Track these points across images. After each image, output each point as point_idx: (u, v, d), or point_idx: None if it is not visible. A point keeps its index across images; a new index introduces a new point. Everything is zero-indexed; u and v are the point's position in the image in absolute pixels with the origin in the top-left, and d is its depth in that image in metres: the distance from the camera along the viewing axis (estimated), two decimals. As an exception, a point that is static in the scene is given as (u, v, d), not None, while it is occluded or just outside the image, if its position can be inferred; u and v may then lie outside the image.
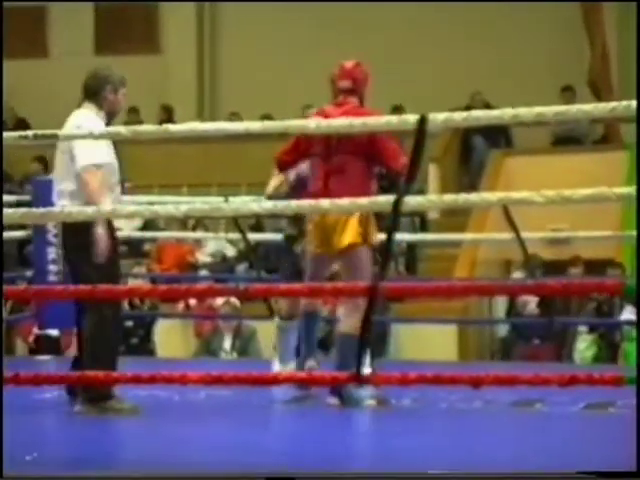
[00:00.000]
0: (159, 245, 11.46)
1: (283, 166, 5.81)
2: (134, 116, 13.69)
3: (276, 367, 5.99)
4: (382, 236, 4.95)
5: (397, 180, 5.28)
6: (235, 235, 8.77)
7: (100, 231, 5.08)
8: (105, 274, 4.98)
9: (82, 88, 5.39)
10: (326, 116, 5.43)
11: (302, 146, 5.58)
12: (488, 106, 11.90)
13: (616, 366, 8.50)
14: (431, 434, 4.67)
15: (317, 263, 5.50)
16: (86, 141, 5.10)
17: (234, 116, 13.11)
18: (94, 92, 5.35)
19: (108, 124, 5.35)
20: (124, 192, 5.78)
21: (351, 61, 5.74)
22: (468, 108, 11.35)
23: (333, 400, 5.25)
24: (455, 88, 12.93)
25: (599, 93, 12.26)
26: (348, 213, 5.32)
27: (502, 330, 9.78)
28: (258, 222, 11.64)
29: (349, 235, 5.39)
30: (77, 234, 5.12)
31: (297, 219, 6.13)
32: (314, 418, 5.12)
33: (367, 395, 5.21)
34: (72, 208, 5.02)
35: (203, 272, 10.80)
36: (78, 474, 3.42)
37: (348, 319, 5.25)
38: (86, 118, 5.29)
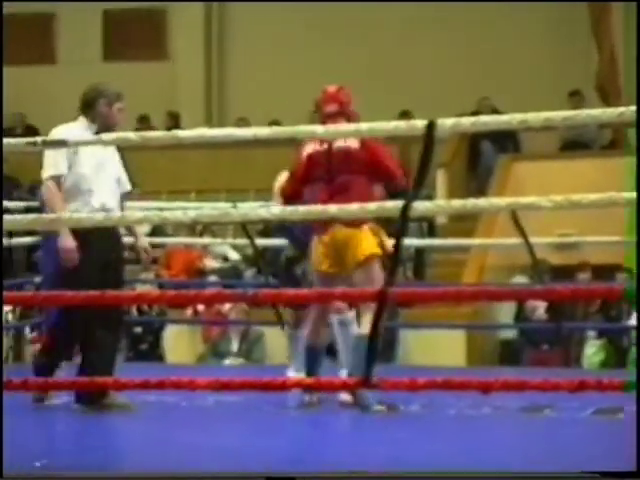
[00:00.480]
0: (168, 251, 11.47)
1: (288, 198, 5.80)
2: (145, 124, 13.70)
3: (290, 374, 6.00)
4: (391, 241, 4.97)
5: (403, 193, 5.30)
6: (243, 241, 8.77)
7: (63, 239, 5.32)
8: (71, 280, 5.20)
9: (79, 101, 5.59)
10: (323, 141, 5.50)
11: (301, 173, 5.65)
12: (495, 111, 11.89)
13: (625, 371, 8.49)
14: (439, 440, 4.67)
15: (327, 283, 5.46)
16: (50, 152, 5.38)
17: (242, 122, 13.13)
18: (88, 105, 5.52)
19: None
20: (125, 198, 5.86)
21: (333, 85, 5.87)
22: (476, 113, 11.35)
23: (345, 397, 5.25)
24: (462, 93, 12.94)
25: (607, 97, 12.25)
26: (357, 221, 5.34)
27: (510, 335, 9.78)
28: (266, 228, 11.66)
29: (367, 247, 5.41)
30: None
31: (298, 240, 6.15)
32: (322, 424, 5.12)
33: (376, 401, 5.21)
34: (81, 214, 5.11)
35: (212, 278, 10.81)
36: (78, 474, 3.42)
37: (367, 321, 5.23)
38: (66, 129, 5.47)
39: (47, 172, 5.46)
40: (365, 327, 5.29)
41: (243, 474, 3.20)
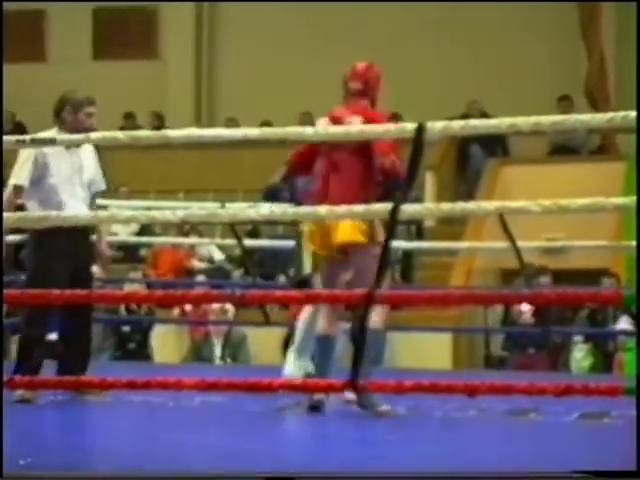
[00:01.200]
0: (155, 250, 11.46)
1: (290, 168, 5.75)
2: (130, 121, 13.70)
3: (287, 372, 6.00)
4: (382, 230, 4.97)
5: (391, 182, 5.28)
6: (231, 241, 8.77)
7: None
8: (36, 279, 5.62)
9: None
10: (335, 118, 5.44)
11: (306, 146, 5.56)
12: (485, 115, 11.92)
13: (611, 376, 8.51)
14: (425, 442, 4.67)
15: (328, 268, 5.46)
16: (18, 162, 5.79)
17: (231, 122, 13.13)
18: (56, 113, 5.91)
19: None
20: (97, 197, 6.05)
21: (363, 62, 5.74)
22: (465, 117, 11.37)
23: (350, 395, 5.24)
24: (451, 96, 12.97)
25: (596, 103, 12.29)
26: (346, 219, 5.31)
27: (497, 339, 9.79)
28: (254, 228, 11.65)
29: (343, 233, 5.36)
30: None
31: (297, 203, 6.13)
32: (307, 425, 5.12)
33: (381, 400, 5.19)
34: (67, 212, 5.16)
35: (200, 278, 10.81)
36: (79, 474, 3.41)
37: (373, 316, 5.19)
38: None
39: (11, 180, 5.79)
40: (373, 321, 5.26)
41: (243, 474, 3.20)
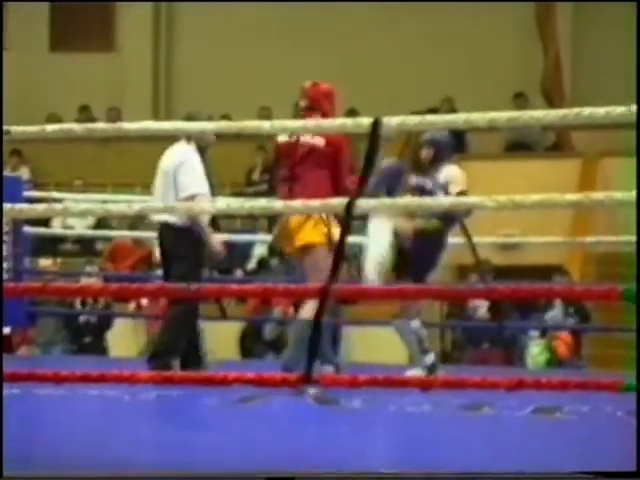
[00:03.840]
0: (114, 245, 11.40)
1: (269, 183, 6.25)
2: (86, 114, 13.62)
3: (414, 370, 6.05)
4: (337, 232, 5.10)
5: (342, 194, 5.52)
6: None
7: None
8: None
9: None
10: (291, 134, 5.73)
11: (274, 162, 6.07)
12: (454, 112, 11.97)
13: (563, 371, 8.59)
14: (379, 435, 4.70)
15: (298, 268, 5.80)
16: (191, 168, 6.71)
17: (189, 117, 13.08)
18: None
19: None
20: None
21: (309, 81, 6.04)
22: (432, 112, 11.40)
23: (314, 390, 5.28)
24: (424, 92, 12.99)
25: (552, 100, 12.40)
26: (303, 215, 5.47)
27: (450, 334, 9.86)
28: (214, 222, 11.62)
29: (303, 236, 5.63)
30: None
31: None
32: (264, 419, 5.13)
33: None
34: (23, 205, 5.10)
35: (159, 272, 10.75)
36: (79, 474, 3.39)
37: (308, 307, 5.49)
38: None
39: (192, 189, 6.47)
40: (305, 312, 5.53)
41: (243, 474, 3.20)
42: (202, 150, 6.55)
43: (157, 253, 11.38)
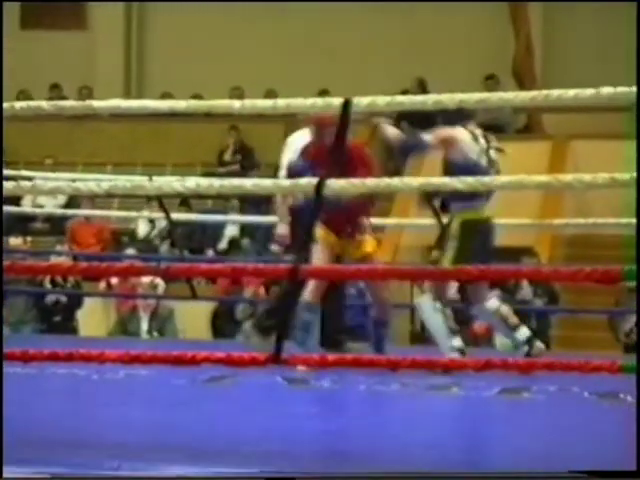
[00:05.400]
0: (72, 225, 11.36)
1: None
2: (56, 92, 13.55)
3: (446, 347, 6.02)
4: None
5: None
6: (159, 215, 8.75)
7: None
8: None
9: None
10: None
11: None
12: (425, 93, 11.98)
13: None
14: (348, 415, 4.73)
15: None
16: None
17: (165, 96, 13.05)
18: None
19: None
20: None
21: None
22: (405, 93, 11.42)
23: (301, 367, 5.29)
24: (396, 74, 13.01)
25: (523, 83, 12.45)
26: (272, 194, 5.48)
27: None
28: (185, 202, 11.61)
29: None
30: None
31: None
32: (232, 399, 5.14)
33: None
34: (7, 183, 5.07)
35: (129, 251, 10.76)
36: (79, 474, 3.37)
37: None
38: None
39: None
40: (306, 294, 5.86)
41: (243, 474, 3.21)
42: None
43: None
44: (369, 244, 6.39)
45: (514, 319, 6.02)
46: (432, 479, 3.24)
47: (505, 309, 6.07)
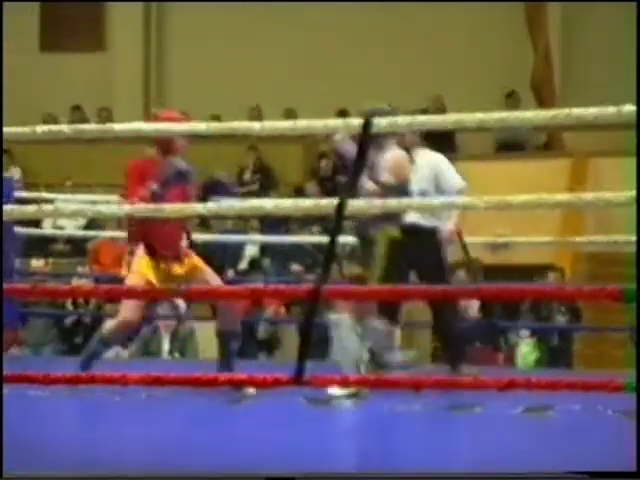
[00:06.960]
0: (95, 246, 11.37)
1: None
2: (78, 114, 13.60)
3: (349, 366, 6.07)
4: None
5: None
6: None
7: None
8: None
9: None
10: None
11: None
12: (444, 111, 11.96)
13: (556, 370, 8.60)
14: (370, 435, 4.70)
15: None
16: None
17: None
18: None
19: None
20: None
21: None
22: (425, 112, 11.39)
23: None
24: (414, 91, 12.99)
25: (542, 97, 12.42)
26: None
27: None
28: (204, 221, 11.61)
29: None
30: None
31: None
32: (256, 417, 5.13)
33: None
34: (13, 206, 5.08)
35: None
36: (79, 474, 3.39)
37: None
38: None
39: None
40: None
41: (243, 474, 3.20)
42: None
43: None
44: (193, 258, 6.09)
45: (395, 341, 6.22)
46: (435, 479, 3.22)
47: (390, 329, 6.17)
